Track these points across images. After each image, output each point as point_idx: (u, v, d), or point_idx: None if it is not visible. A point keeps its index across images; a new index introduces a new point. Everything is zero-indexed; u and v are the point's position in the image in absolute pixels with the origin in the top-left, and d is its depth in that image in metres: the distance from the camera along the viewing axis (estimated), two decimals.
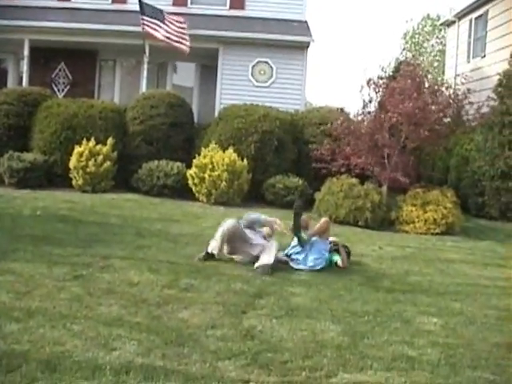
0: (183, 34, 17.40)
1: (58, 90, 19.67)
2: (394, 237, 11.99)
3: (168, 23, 17.19)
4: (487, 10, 20.70)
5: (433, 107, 13.54)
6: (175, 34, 17.24)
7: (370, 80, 14.39)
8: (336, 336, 5.60)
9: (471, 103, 14.11)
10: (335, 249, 8.72)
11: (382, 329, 5.90)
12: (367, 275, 8.23)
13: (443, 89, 14.42)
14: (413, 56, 22.53)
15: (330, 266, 8.42)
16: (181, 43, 17.35)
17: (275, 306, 6.38)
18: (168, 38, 17.18)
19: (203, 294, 6.65)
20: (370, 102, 14.62)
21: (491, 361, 5.25)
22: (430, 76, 15.73)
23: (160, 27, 17.15)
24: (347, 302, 6.78)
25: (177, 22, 17.38)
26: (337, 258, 8.61)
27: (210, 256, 8.24)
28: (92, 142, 14.27)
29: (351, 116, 15.31)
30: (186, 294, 6.57)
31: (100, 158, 14.09)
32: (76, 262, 7.56)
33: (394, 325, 6.06)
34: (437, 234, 12.41)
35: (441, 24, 28.16)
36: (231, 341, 5.27)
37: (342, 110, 15.65)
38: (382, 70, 14.96)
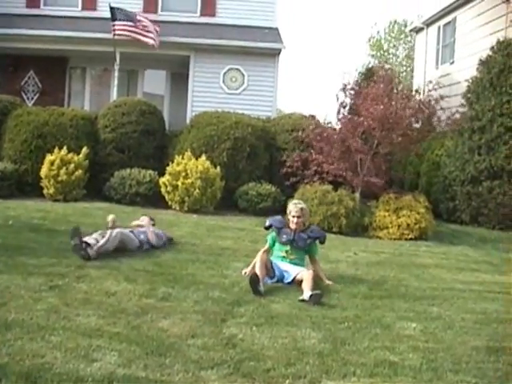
0: (153, 31, 17.49)
1: (28, 99, 19.42)
2: (368, 243, 12.02)
3: (141, 23, 17.27)
4: (455, 17, 20.94)
5: (406, 112, 13.65)
6: (146, 30, 17.33)
7: (345, 86, 14.50)
8: (317, 343, 5.61)
9: (443, 109, 14.26)
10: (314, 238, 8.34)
11: (363, 335, 5.92)
12: (344, 281, 8.23)
13: (415, 94, 14.59)
14: (379, 62, 22.62)
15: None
16: (151, 38, 17.50)
17: (254, 313, 6.38)
18: (140, 34, 17.29)
19: (182, 302, 6.62)
20: (344, 107, 14.72)
21: (472, 364, 5.30)
22: (400, 81, 15.85)
23: (133, 27, 17.17)
24: (326, 308, 6.79)
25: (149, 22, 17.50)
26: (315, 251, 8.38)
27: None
28: (63, 151, 14.10)
29: (322, 122, 15.30)
30: (164, 304, 6.54)
31: (71, 166, 13.92)
32: (51, 272, 7.47)
33: (374, 330, 6.09)
34: (410, 239, 12.45)
35: (410, 31, 28.43)
36: (213, 350, 5.25)
37: (313, 116, 15.67)
38: (357, 74, 15.02)
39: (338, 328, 6.09)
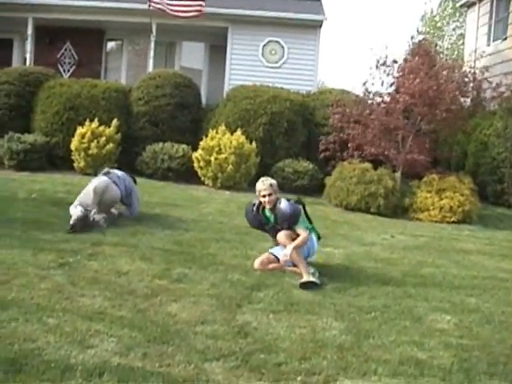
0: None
1: (64, 71, 19.12)
2: (407, 225, 11.45)
3: None
4: None
5: (448, 85, 12.95)
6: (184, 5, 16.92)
7: (378, 61, 13.80)
8: (338, 334, 5.09)
9: (490, 82, 13.54)
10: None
11: (390, 327, 5.38)
12: (376, 266, 7.71)
13: (460, 66, 13.89)
14: (425, 36, 21.54)
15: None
16: (190, 11, 17.08)
17: (274, 299, 5.87)
18: (177, 11, 16.86)
19: (196, 285, 6.16)
20: (369, 82, 14.03)
21: (510, 367, 4.71)
22: (442, 54, 15.07)
23: (168, 3, 16.76)
24: (353, 295, 6.24)
25: None
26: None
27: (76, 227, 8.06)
28: (95, 123, 13.78)
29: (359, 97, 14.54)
30: (177, 285, 6.09)
31: (103, 139, 13.58)
32: (64, 248, 7.11)
33: (403, 323, 5.53)
34: (453, 222, 11.91)
35: (461, 6, 27.32)
36: (222, 339, 4.78)
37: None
38: (387, 48, 14.26)
39: (363, 318, 5.56)
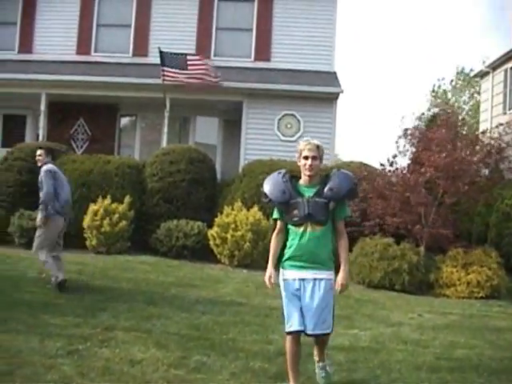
0: (206, 70, 17.03)
1: (77, 147, 18.92)
2: (433, 302, 10.91)
3: (191, 66, 16.73)
4: None
5: (474, 158, 12.63)
6: (199, 73, 16.79)
7: (406, 130, 13.52)
8: None
9: None
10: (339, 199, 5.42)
11: None
12: (406, 348, 7.19)
13: (484, 138, 13.54)
14: (446, 103, 21.16)
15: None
16: (205, 79, 17.01)
17: None
18: (191, 78, 16.80)
19: (216, 375, 5.67)
20: (397, 155, 13.66)
21: None
22: (465, 126, 14.82)
23: (182, 74, 16.64)
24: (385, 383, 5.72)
25: (199, 61, 17.00)
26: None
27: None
28: (107, 200, 13.48)
29: (379, 170, 14.17)
30: (195, 375, 5.61)
31: (116, 216, 13.26)
32: (73, 333, 6.69)
33: None
34: (481, 297, 11.37)
35: (474, 76, 27.31)
36: None
37: (364, 164, 14.59)
38: (420, 119, 14.05)
39: None
